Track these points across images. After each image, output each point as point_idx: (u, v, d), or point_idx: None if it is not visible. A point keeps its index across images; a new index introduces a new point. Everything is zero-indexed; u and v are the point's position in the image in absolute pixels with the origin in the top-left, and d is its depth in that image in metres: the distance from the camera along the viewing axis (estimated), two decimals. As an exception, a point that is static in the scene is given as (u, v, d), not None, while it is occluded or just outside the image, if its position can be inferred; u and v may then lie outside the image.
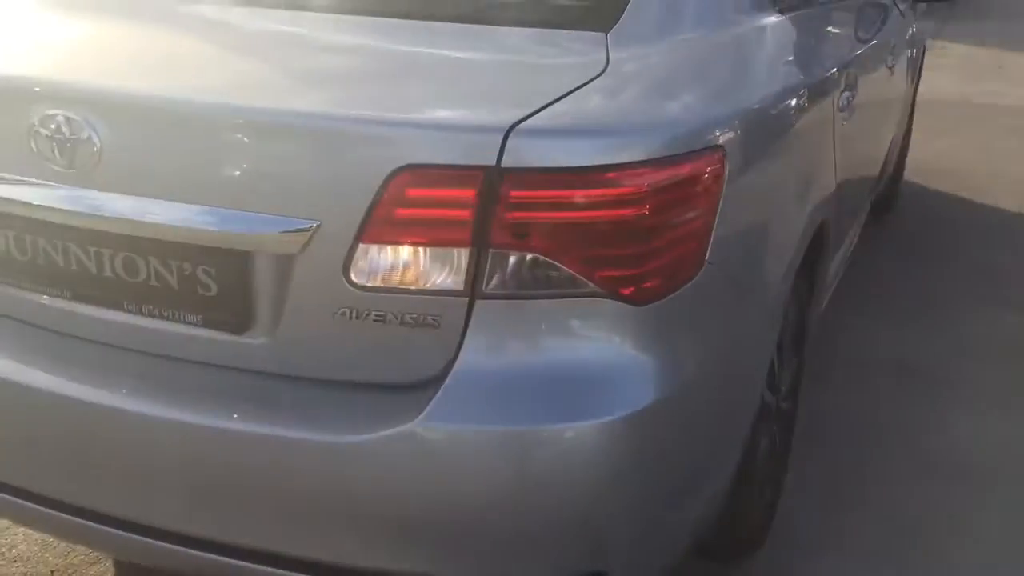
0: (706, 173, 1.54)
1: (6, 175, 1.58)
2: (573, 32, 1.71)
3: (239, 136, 1.48)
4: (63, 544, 2.22)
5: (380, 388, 1.50)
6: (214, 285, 1.53)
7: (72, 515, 1.63)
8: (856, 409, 2.92)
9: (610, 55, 1.62)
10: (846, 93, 2.33)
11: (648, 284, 1.48)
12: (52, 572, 2.15)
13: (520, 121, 1.40)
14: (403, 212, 1.42)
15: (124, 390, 1.57)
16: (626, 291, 1.47)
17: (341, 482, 1.47)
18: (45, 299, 1.65)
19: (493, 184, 1.39)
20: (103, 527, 1.61)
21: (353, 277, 1.45)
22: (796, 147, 1.97)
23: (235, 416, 1.51)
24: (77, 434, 1.59)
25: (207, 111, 1.50)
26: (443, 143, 1.41)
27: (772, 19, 2.09)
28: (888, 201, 4.40)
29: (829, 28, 2.50)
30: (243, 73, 1.65)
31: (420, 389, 1.46)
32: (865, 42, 2.72)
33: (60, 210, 1.55)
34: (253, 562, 1.55)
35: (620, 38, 1.67)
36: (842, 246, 2.81)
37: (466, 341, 1.45)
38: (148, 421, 1.54)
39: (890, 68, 3.12)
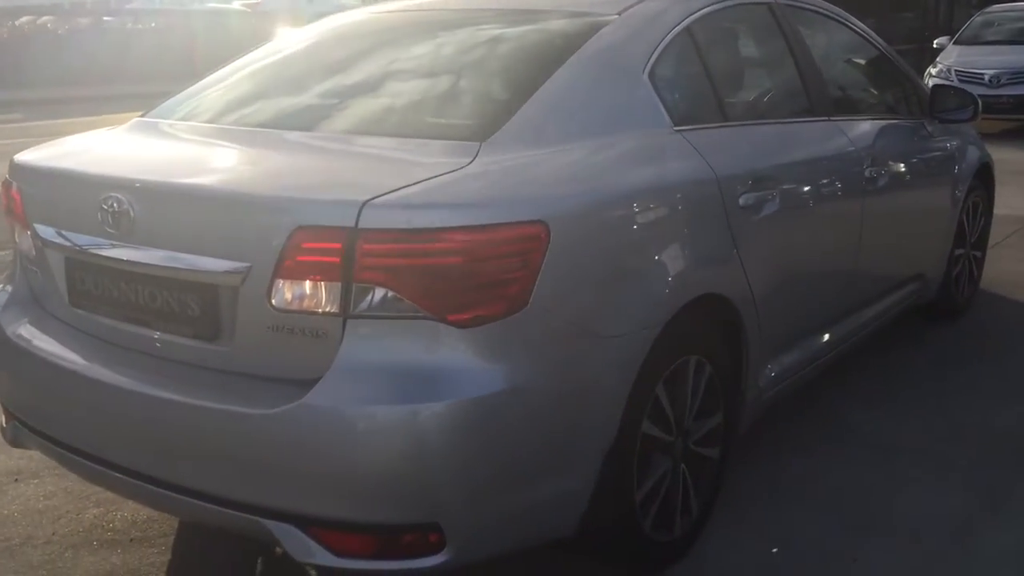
0: (525, 239, 2.17)
1: (86, 235, 2.44)
2: (453, 141, 2.40)
3: (205, 205, 2.28)
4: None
5: (291, 381, 2.19)
6: (197, 308, 2.29)
7: (84, 459, 2.45)
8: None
9: (477, 158, 2.30)
10: (749, 194, 2.85)
11: (469, 314, 2.11)
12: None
13: (374, 198, 2.09)
14: (300, 257, 2.13)
15: (142, 380, 2.35)
16: (452, 317, 2.10)
17: (258, 439, 2.16)
18: (102, 318, 2.48)
19: (353, 240, 2.08)
20: (108, 471, 2.40)
21: (273, 302, 2.17)
22: (661, 234, 2.55)
23: (202, 396, 2.25)
24: (106, 406, 2.39)
25: (184, 190, 2.34)
26: (324, 211, 2.13)
27: (663, 135, 2.70)
28: (944, 308, 4.68)
29: (739, 140, 3.04)
30: (210, 166, 2.52)
31: (313, 381, 2.14)
32: (797, 155, 3.25)
33: (111, 258, 2.39)
34: (195, 498, 2.28)
35: (492, 146, 2.35)
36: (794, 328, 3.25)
37: (341, 347, 2.13)
38: (152, 400, 2.31)
39: (871, 180, 3.56)
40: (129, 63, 20.05)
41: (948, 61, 12.54)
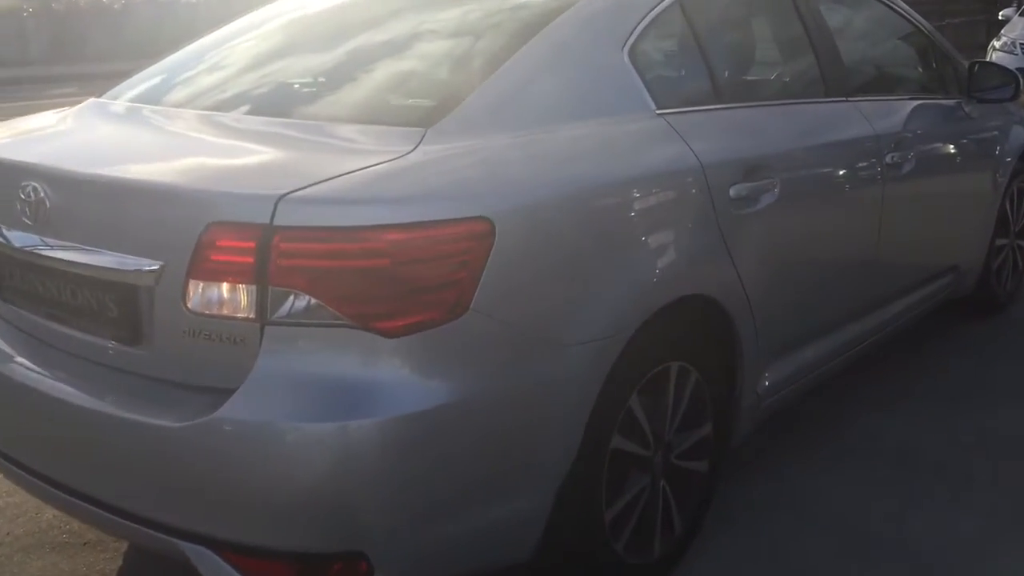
0: (465, 237, 1.94)
1: (6, 226, 2.26)
2: (396, 127, 2.17)
3: (119, 197, 2.09)
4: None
5: (211, 391, 1.99)
6: (116, 309, 2.11)
7: (16, 467, 2.28)
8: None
9: (420, 146, 2.07)
10: (742, 185, 2.58)
11: (401, 321, 1.89)
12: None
13: (293, 191, 1.88)
14: (214, 256, 1.93)
15: (64, 383, 2.18)
16: (380, 325, 1.89)
17: (170, 454, 1.97)
18: (30, 315, 2.31)
19: (267, 238, 1.87)
20: (39, 481, 2.22)
21: (189, 305, 1.97)
22: (629, 226, 2.29)
23: (116, 405, 2.07)
24: (32, 411, 2.22)
25: (98, 180, 2.13)
26: (237, 206, 1.92)
27: (642, 120, 2.44)
28: (983, 302, 4.35)
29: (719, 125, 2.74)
30: (136, 153, 2.33)
31: (230, 392, 1.94)
32: (800, 137, 2.95)
33: (29, 251, 2.21)
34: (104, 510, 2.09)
35: (440, 133, 2.12)
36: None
37: (260, 357, 1.93)
38: (70, 407, 2.13)
39: (888, 167, 3.25)
40: (183, 36, 20.05)
41: (1014, 34, 11.91)
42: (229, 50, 2.94)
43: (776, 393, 2.92)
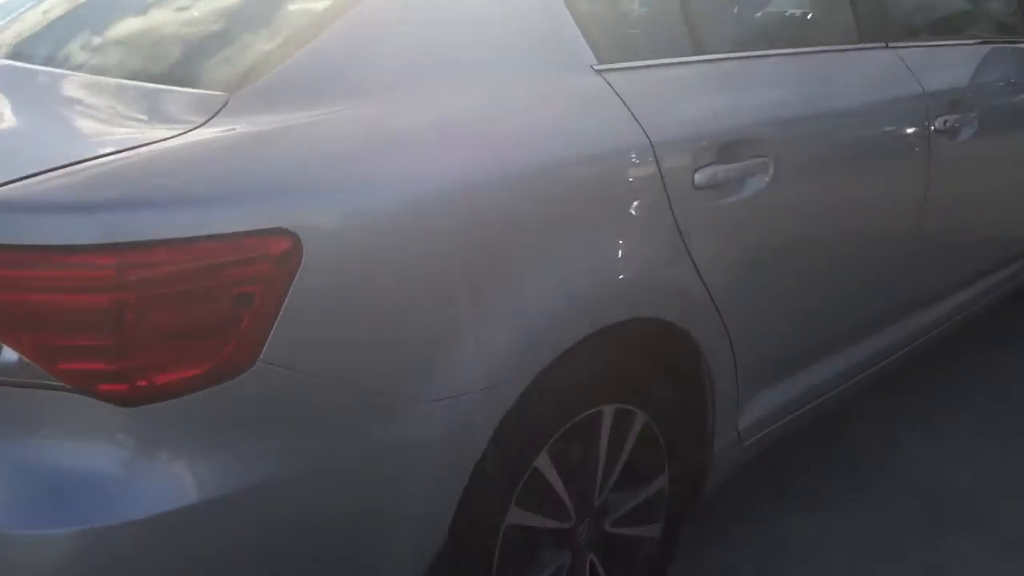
0: (250, 260, 1.33)
1: None
2: (189, 91, 1.55)
3: None
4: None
5: None
6: None
7: None
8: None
9: (215, 119, 1.45)
10: (711, 168, 1.90)
11: (139, 383, 1.30)
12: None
13: (-11, 190, 1.29)
14: None
15: None
16: (106, 388, 1.30)
17: None
18: None
19: None
20: None
21: None
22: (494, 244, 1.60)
23: None
24: None
25: None
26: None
27: (573, 78, 1.78)
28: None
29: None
30: None
31: None
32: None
33: None
34: None
35: (248, 101, 1.49)
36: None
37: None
38: None
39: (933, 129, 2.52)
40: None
41: None
42: None
43: (765, 428, 2.27)
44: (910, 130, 2.45)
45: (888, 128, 2.42)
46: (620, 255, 1.78)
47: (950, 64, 2.74)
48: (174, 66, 1.70)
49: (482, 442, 1.60)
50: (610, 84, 1.81)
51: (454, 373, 1.54)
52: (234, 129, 1.44)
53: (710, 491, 2.23)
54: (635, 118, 1.79)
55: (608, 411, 1.85)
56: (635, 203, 1.79)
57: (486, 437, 1.61)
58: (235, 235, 1.32)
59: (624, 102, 1.80)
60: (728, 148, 1.94)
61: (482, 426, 1.60)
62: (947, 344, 3.07)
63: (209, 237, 1.31)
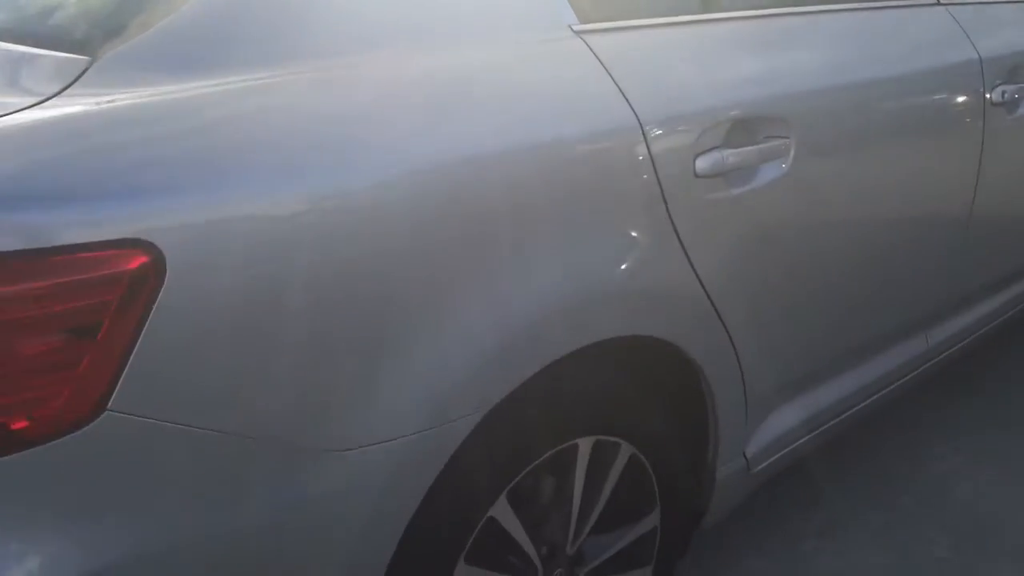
0: (98, 282, 1.02)
1: None
2: (48, 54, 1.22)
3: None
4: None
5: None
6: None
7: None
8: None
9: (71, 89, 1.13)
10: (716, 153, 1.56)
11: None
12: None
13: None
14: None
15: None
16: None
17: None
18: None
19: None
20: None
21: None
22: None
23: None
24: None
25: None
26: None
27: (542, 42, 1.43)
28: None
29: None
30: None
31: None
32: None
33: None
34: None
35: (115, 67, 1.17)
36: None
37: None
38: None
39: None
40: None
41: None
42: None
43: (777, 452, 1.95)
44: (961, 102, 2.08)
45: (936, 100, 2.05)
46: (601, 260, 1.45)
47: (1010, 24, 2.35)
48: (29, 20, 1.37)
49: (413, 498, 1.30)
50: (591, 48, 1.46)
51: (376, 414, 1.22)
52: (94, 103, 1.11)
53: (711, 525, 1.92)
54: (621, 91, 1.45)
55: (584, 445, 1.54)
56: (620, 196, 1.45)
57: (424, 486, 1.30)
58: (72, 248, 1.01)
59: (608, 70, 1.45)
60: (738, 127, 1.59)
61: (413, 477, 1.29)
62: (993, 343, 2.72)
63: (37, 252, 1.00)
